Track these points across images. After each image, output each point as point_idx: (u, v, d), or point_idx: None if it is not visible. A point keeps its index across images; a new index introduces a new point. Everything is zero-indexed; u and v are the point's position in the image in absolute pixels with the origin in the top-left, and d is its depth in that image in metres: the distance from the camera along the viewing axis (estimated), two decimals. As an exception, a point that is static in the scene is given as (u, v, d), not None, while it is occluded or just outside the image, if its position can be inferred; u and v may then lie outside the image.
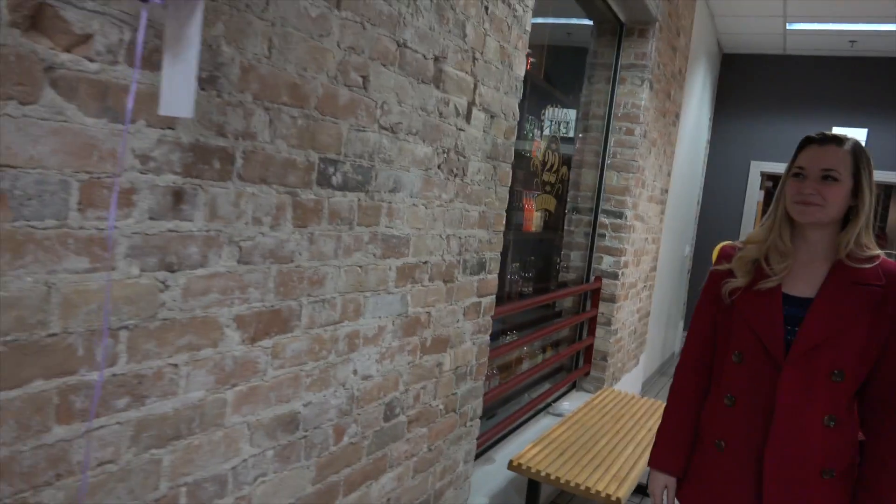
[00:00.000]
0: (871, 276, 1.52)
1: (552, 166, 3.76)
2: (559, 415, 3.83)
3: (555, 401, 4.04)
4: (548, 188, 3.77)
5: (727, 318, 1.65)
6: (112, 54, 1.00)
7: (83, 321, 1.01)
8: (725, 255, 1.71)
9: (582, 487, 2.60)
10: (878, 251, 1.56)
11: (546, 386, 3.99)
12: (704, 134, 6.94)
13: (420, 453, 2.10)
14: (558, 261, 4.34)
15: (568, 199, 4.27)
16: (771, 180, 7.50)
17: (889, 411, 1.53)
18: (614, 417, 3.48)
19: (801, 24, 6.12)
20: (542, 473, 2.68)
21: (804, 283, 1.58)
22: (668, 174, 5.34)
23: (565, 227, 4.37)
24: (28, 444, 0.96)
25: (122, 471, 1.12)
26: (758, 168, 7.11)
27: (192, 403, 1.23)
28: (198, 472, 1.27)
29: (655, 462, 1.77)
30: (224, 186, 1.23)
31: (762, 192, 7.29)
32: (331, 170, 1.50)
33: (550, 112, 3.86)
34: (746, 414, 1.59)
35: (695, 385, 1.74)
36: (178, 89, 0.95)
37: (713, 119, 7.21)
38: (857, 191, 1.53)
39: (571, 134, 4.16)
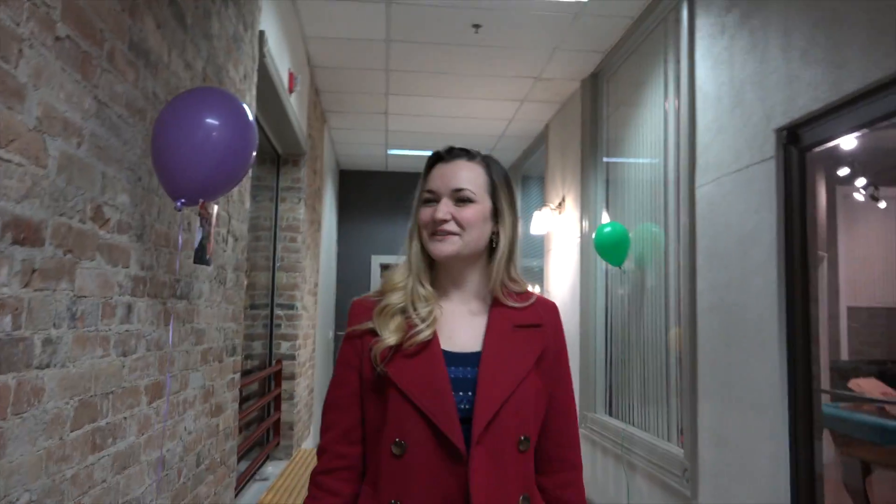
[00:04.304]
0: (531, 316, 1.32)
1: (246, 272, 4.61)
2: (265, 479, 4.55)
3: (257, 470, 4.74)
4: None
5: (378, 396, 1.27)
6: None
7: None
8: (363, 311, 1.37)
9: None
10: (530, 288, 1.38)
11: (246, 464, 4.66)
12: (334, 235, 8.37)
13: (212, 496, 2.75)
14: (243, 351, 5.10)
15: (246, 298, 5.11)
16: (387, 268, 9.28)
17: (568, 471, 1.36)
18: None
19: (397, 150, 8.04)
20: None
21: (465, 333, 1.30)
22: (317, 271, 6.52)
23: (244, 322, 5.17)
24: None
25: None
26: (377, 260, 8.80)
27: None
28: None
29: None
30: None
31: (382, 280, 9.00)
32: (177, 286, 2.23)
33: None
34: None
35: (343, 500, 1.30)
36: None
37: (339, 223, 8.72)
38: (496, 213, 1.32)
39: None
